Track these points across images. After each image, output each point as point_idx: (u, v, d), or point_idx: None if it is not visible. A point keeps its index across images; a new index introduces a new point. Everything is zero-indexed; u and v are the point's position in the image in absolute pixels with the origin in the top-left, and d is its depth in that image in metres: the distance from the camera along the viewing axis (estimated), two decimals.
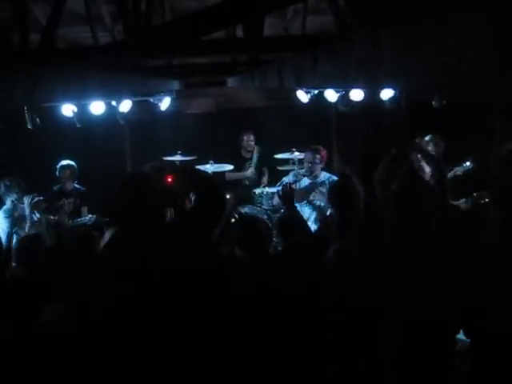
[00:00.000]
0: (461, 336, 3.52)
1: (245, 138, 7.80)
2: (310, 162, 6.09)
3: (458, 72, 2.47)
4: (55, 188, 6.39)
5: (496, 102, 5.27)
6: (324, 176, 6.17)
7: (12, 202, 5.61)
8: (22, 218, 5.59)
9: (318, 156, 6.10)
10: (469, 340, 3.41)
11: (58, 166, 6.33)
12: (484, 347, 3.22)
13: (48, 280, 3.35)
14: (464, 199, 5.47)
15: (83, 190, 6.44)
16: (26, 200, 5.52)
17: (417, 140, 6.10)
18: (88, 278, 3.16)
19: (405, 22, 2.85)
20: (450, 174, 5.96)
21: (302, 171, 6.37)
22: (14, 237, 5.49)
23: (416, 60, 2.77)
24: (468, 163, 5.95)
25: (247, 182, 7.78)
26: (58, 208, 5.75)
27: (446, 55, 2.48)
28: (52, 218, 5.58)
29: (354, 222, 4.33)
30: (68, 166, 6.35)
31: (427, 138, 6.17)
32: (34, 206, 5.50)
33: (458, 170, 5.95)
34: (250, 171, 7.75)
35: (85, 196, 6.39)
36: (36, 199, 5.54)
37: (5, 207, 5.65)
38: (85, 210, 6.30)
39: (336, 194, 4.54)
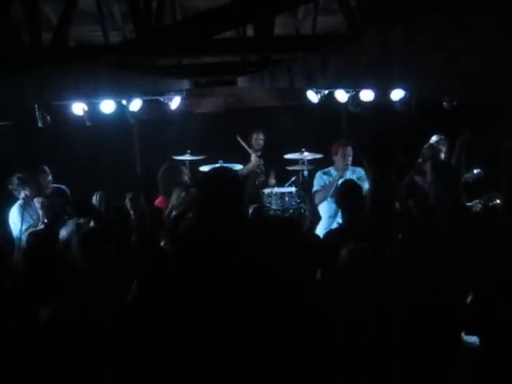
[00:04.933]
0: (467, 338, 3.52)
1: (254, 136, 7.78)
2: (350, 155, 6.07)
3: (469, 73, 2.45)
4: None
5: (507, 104, 5.24)
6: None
7: (24, 197, 5.62)
8: (35, 215, 5.60)
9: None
10: (473, 341, 3.42)
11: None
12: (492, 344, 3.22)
13: (52, 278, 3.36)
14: (476, 200, 5.48)
15: (63, 189, 6.15)
16: (37, 201, 5.51)
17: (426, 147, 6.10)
18: (94, 278, 3.17)
19: (416, 22, 2.83)
20: None
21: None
22: (26, 233, 5.51)
23: (427, 61, 2.75)
24: (478, 170, 5.95)
25: (257, 182, 7.75)
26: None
27: (457, 56, 2.47)
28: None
29: (363, 222, 4.34)
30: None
31: (434, 138, 6.16)
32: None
33: (469, 178, 5.95)
34: (253, 158, 7.61)
35: (66, 194, 6.11)
36: (46, 202, 5.55)
37: (18, 202, 5.66)
38: (69, 208, 6.12)
39: (346, 195, 4.55)
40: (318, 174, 6.18)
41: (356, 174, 6.06)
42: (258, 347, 2.69)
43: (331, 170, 6.13)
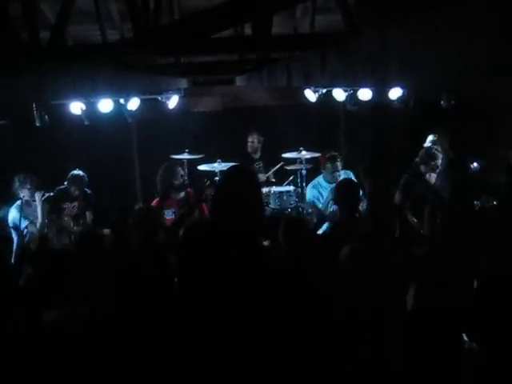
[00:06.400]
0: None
1: (249, 139, 7.78)
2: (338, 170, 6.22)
3: (466, 72, 2.46)
4: (60, 189, 6.10)
5: (504, 102, 5.25)
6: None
7: (24, 197, 5.64)
8: (34, 214, 5.63)
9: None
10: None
11: (69, 175, 6.12)
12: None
13: (52, 282, 3.35)
14: (474, 201, 5.51)
15: (89, 194, 6.25)
16: (38, 196, 5.57)
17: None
18: (93, 280, 3.16)
19: (414, 20, 2.84)
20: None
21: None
22: (26, 232, 5.55)
23: (425, 59, 2.75)
24: (475, 164, 5.98)
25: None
26: (60, 210, 5.75)
27: (455, 55, 2.47)
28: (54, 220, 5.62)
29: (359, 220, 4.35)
30: (78, 177, 6.14)
31: (431, 138, 6.18)
32: (44, 203, 5.56)
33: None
34: (261, 176, 7.59)
35: (90, 200, 6.23)
36: (46, 195, 5.59)
37: (18, 202, 5.68)
38: (89, 214, 6.19)
39: (344, 193, 4.56)
40: (309, 188, 6.38)
41: (348, 176, 6.18)
42: (266, 342, 2.67)
43: (320, 180, 6.32)
